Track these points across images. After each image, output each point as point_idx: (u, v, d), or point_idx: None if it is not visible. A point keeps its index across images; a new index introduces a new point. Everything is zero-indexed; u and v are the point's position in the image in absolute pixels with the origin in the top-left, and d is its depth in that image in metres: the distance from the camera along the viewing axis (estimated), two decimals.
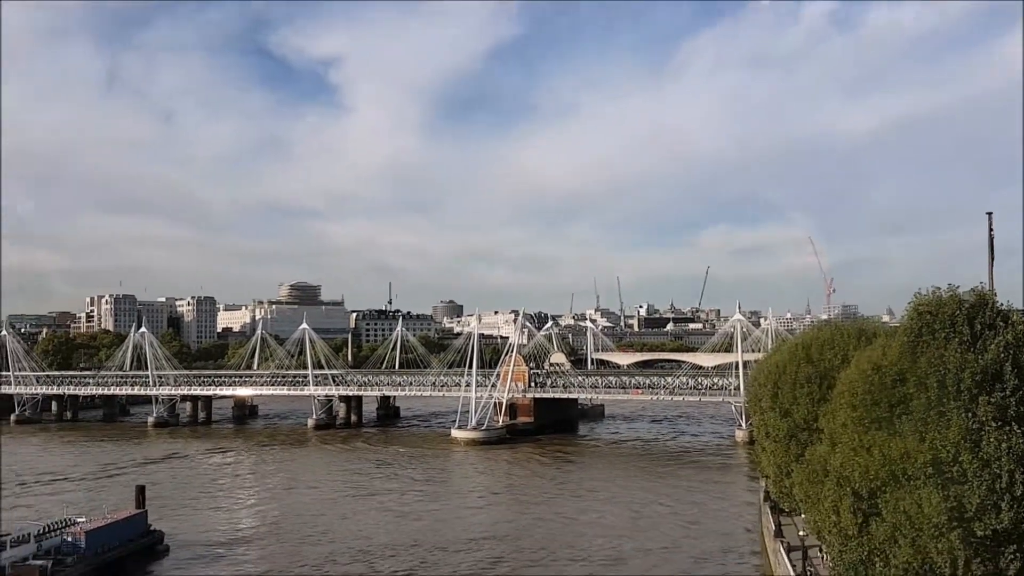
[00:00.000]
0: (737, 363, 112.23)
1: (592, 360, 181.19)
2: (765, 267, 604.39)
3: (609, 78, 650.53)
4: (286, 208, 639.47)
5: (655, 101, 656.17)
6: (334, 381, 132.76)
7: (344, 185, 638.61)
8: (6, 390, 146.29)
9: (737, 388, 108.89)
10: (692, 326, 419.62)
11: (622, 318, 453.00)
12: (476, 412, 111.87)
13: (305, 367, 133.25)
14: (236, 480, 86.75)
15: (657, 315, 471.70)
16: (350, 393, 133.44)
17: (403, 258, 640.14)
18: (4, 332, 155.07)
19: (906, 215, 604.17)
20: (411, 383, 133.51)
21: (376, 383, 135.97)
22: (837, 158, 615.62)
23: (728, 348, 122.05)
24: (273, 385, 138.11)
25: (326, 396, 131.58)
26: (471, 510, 69.77)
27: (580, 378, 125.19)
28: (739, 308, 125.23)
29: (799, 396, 43.61)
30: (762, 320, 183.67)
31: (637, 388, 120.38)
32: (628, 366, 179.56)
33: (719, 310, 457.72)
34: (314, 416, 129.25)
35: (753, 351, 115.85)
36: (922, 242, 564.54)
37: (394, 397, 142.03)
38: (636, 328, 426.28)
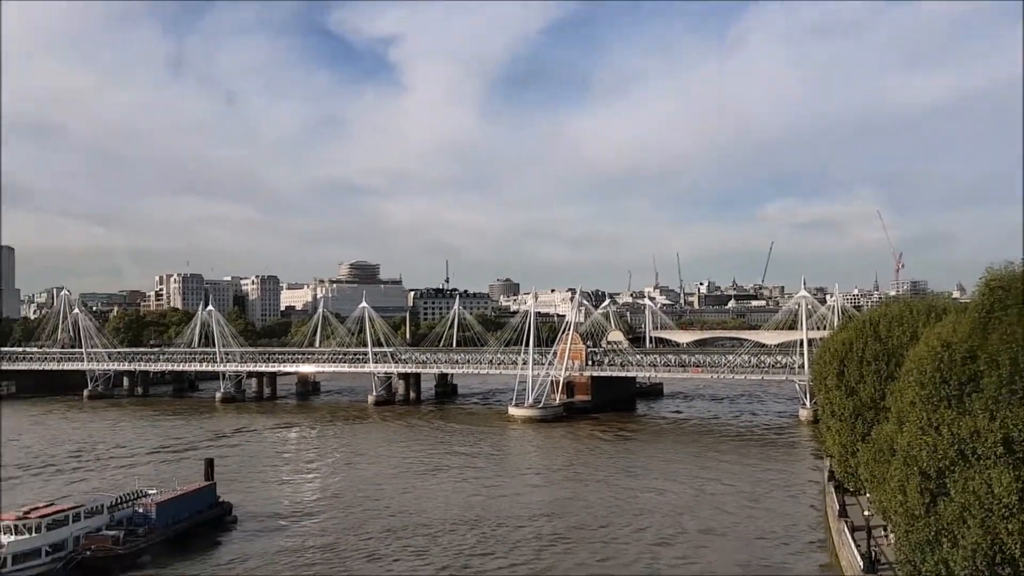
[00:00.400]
0: (801, 341, 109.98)
1: (650, 338, 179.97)
2: (831, 242, 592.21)
3: (670, 49, 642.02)
4: (346, 187, 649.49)
5: (717, 72, 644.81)
6: (393, 359, 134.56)
7: (402, 163, 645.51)
8: (79, 366, 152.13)
9: (801, 366, 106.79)
10: (755, 303, 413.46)
11: (682, 295, 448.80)
12: (533, 390, 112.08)
13: (365, 345, 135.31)
14: (300, 454, 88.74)
15: (718, 292, 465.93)
16: (409, 370, 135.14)
17: (460, 236, 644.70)
18: (77, 310, 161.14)
19: (977, 188, 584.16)
20: (468, 361, 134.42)
21: (434, 361, 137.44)
22: (905, 129, 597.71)
23: (792, 326, 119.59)
24: (334, 362, 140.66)
25: (385, 373, 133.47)
26: (529, 487, 70.04)
27: (638, 356, 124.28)
28: (804, 284, 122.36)
29: (866, 374, 43.08)
30: (828, 297, 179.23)
31: (697, 366, 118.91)
32: (688, 344, 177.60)
33: (783, 287, 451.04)
34: (374, 393, 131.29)
35: (818, 329, 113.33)
36: (994, 216, 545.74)
37: (451, 375, 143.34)
38: (696, 306, 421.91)
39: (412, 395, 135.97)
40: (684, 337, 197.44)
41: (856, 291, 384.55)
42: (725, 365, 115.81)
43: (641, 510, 59.98)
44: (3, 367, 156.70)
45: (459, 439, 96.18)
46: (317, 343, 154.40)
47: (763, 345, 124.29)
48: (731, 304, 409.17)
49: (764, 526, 55.07)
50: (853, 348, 44.83)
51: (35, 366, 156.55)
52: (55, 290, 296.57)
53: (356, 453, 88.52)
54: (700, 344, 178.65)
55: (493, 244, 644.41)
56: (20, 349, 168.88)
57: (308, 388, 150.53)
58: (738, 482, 69.58)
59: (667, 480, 70.95)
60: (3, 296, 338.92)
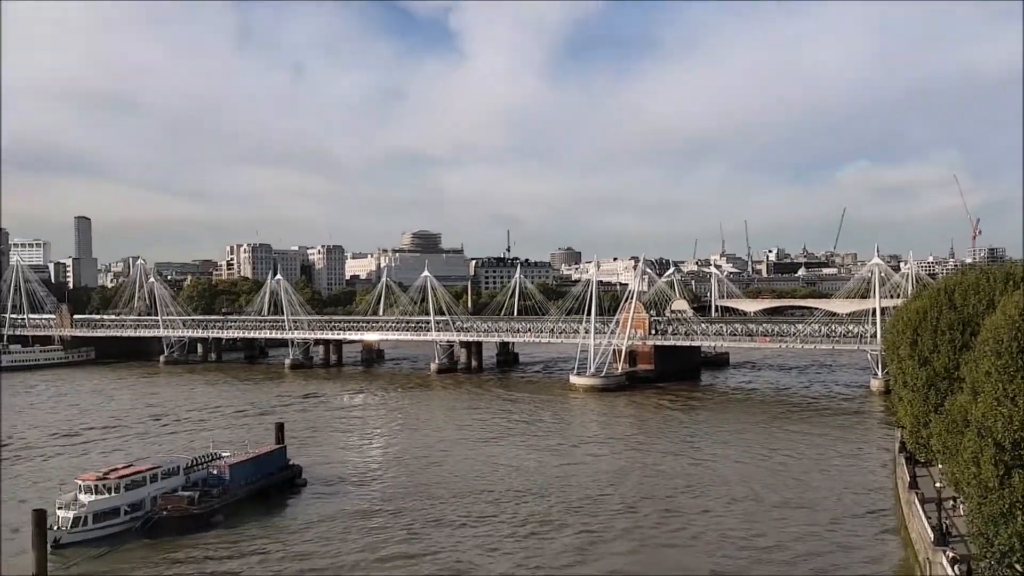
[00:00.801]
0: (874, 310, 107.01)
1: (716, 307, 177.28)
2: (906, 208, 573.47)
3: (741, 7, 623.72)
4: (408, 157, 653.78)
5: (791, 32, 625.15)
6: (455, 327, 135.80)
7: (464, 132, 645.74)
8: (155, 333, 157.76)
9: (873, 336, 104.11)
10: (826, 271, 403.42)
11: (749, 263, 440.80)
12: (595, 359, 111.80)
13: (427, 313, 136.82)
14: (366, 420, 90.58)
15: (788, 260, 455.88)
16: (470, 339, 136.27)
17: (522, 205, 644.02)
18: (152, 279, 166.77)
19: None
20: (529, 330, 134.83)
21: (495, 329, 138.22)
22: (985, 92, 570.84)
23: (864, 294, 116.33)
24: (398, 331, 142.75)
25: (448, 342, 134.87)
26: (592, 455, 70.09)
27: (703, 325, 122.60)
28: (877, 252, 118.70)
29: (940, 343, 41.97)
30: (902, 264, 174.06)
31: (764, 336, 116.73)
32: (755, 313, 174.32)
33: (855, 254, 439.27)
34: (436, 361, 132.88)
35: (892, 297, 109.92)
36: None
37: (513, 343, 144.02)
38: (765, 274, 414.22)
39: (474, 363, 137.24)
40: (751, 306, 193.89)
41: (931, 258, 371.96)
42: (794, 334, 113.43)
43: (706, 481, 59.51)
44: (83, 334, 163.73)
45: (521, 407, 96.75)
46: (381, 312, 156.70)
47: (834, 314, 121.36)
48: (801, 272, 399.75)
49: (833, 497, 54.13)
50: (927, 317, 43.66)
51: (113, 333, 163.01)
52: (131, 259, 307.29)
53: (419, 419, 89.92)
54: (768, 313, 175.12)
55: (555, 213, 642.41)
56: (98, 316, 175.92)
57: (373, 355, 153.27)
58: (806, 453, 68.45)
59: (733, 450, 70.22)
60: (81, 265, 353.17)
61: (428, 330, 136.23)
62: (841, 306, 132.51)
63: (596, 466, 65.37)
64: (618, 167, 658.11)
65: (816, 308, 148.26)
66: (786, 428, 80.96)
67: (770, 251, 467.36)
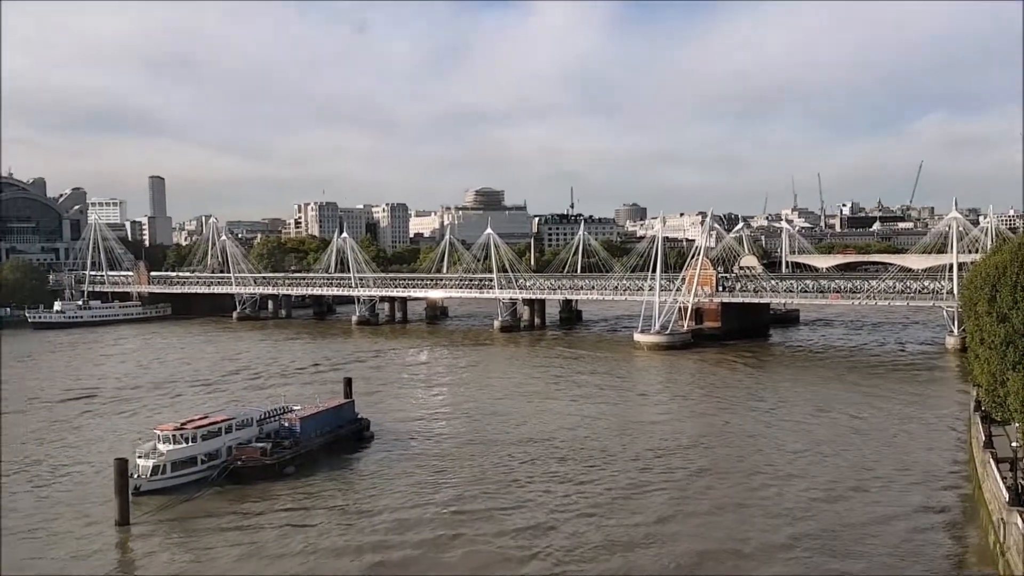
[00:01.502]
0: (951, 265, 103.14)
1: (787, 263, 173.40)
2: (986, 160, 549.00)
3: None
4: (471, 115, 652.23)
5: None
6: (518, 285, 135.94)
7: (526, 88, 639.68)
8: (228, 290, 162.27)
9: (950, 292, 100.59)
10: (901, 225, 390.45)
11: (822, 218, 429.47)
12: (660, 316, 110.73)
13: (490, 271, 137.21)
14: (431, 375, 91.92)
15: (862, 214, 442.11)
16: (534, 296, 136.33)
17: (585, 161, 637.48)
18: (224, 237, 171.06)
19: None
20: (593, 287, 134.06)
21: (559, 287, 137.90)
22: None
23: (941, 249, 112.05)
24: (461, 288, 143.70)
25: (511, 299, 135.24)
26: (656, 412, 69.90)
27: (772, 282, 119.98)
28: (955, 205, 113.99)
29: (1020, 300, 40.46)
30: (981, 218, 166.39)
31: (836, 292, 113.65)
32: (827, 269, 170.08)
33: (932, 208, 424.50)
34: (499, 318, 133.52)
35: (970, 252, 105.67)
36: None
37: (576, 301, 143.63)
38: (838, 228, 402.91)
39: (537, 321, 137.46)
40: (823, 262, 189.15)
41: (1012, 212, 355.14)
42: (867, 291, 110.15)
43: (772, 440, 58.76)
44: (159, 290, 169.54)
45: (584, 364, 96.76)
46: (444, 269, 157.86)
47: (909, 270, 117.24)
48: (876, 227, 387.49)
49: (906, 456, 52.91)
50: (1007, 272, 41.96)
51: (188, 289, 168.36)
52: (203, 218, 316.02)
53: (483, 375, 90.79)
54: (841, 269, 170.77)
55: (620, 168, 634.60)
56: (174, 274, 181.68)
57: (436, 313, 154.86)
58: (878, 412, 66.88)
59: (802, 409, 69.02)
60: (156, 223, 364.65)
61: (491, 288, 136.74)
62: (917, 261, 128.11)
63: (660, 423, 65.09)
64: (684, 121, 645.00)
65: (891, 264, 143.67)
66: (858, 386, 79.16)
67: (844, 205, 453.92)
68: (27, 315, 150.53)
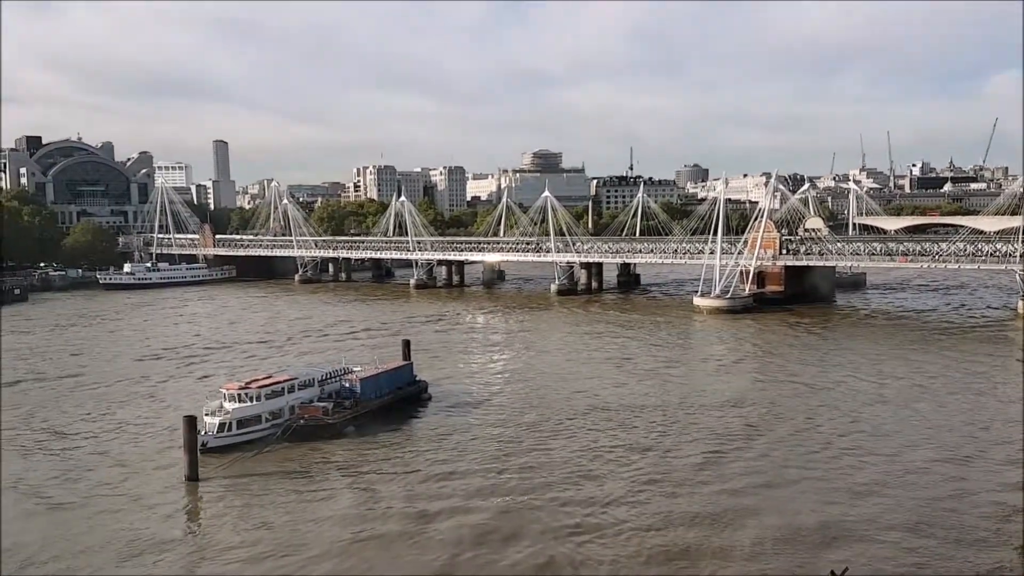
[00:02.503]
0: None
1: (854, 225, 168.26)
2: None
3: None
4: (528, 75, 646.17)
5: None
6: (575, 248, 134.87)
7: (584, 48, 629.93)
8: (290, 253, 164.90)
9: (1023, 255, 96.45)
10: (974, 186, 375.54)
11: (891, 178, 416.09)
12: (720, 280, 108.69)
13: (547, 234, 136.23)
14: (488, 338, 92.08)
15: (933, 175, 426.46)
16: (591, 260, 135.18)
17: (645, 121, 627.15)
18: (286, 201, 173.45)
19: None
20: (652, 250, 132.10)
21: (617, 250, 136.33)
22: None
23: (1015, 211, 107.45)
24: (518, 252, 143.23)
25: (568, 263, 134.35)
26: (718, 377, 68.83)
27: (839, 244, 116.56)
28: None
29: None
30: None
31: (905, 255, 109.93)
32: (896, 231, 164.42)
33: (1006, 168, 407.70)
34: (556, 282, 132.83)
35: None
36: None
37: (634, 264, 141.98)
38: (907, 189, 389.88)
39: (594, 284, 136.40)
40: (892, 224, 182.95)
41: None
42: (937, 254, 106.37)
43: (839, 404, 57.30)
44: (224, 252, 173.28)
45: (643, 329, 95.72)
46: (501, 233, 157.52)
47: (981, 232, 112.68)
48: (947, 187, 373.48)
49: (968, 424, 51.29)
50: None
51: (251, 252, 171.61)
52: (265, 181, 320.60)
53: (541, 339, 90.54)
54: (910, 231, 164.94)
55: (680, 129, 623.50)
56: (238, 236, 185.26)
57: (494, 276, 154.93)
58: (945, 378, 64.83)
59: (867, 374, 67.14)
60: (220, 187, 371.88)
61: (548, 251, 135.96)
62: (989, 223, 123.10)
63: (718, 385, 64.20)
64: (747, 79, 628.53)
65: (962, 226, 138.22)
66: (925, 352, 76.81)
67: (914, 165, 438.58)
68: (98, 276, 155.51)
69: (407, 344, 66.24)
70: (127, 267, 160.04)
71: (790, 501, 39.40)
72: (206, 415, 49.38)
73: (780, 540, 34.82)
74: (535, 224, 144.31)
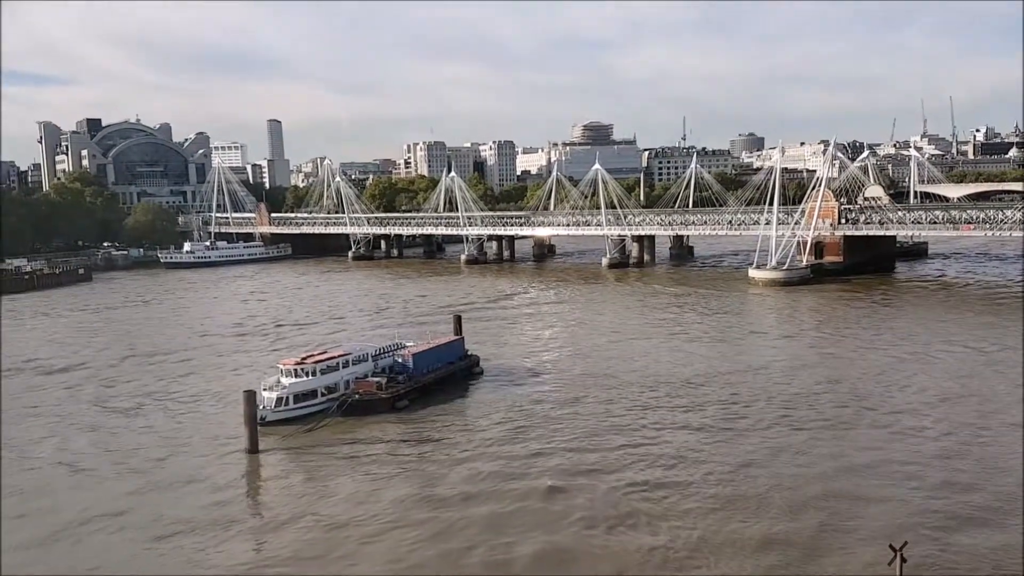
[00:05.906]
0: None
1: (915, 193, 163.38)
2: None
3: None
4: (579, 40, 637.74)
5: None
6: (626, 221, 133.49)
7: (640, 9, 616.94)
8: (343, 230, 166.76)
9: None
10: None
11: (954, 144, 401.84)
12: (777, 251, 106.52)
13: (598, 207, 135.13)
14: (539, 313, 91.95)
15: (998, 140, 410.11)
16: (642, 233, 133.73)
17: (698, 86, 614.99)
18: (338, 179, 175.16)
19: None
20: (705, 222, 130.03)
21: (669, 222, 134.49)
22: None
23: None
24: (568, 226, 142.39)
25: (619, 236, 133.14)
26: (776, 352, 67.50)
27: (899, 213, 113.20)
28: None
29: None
30: None
31: (968, 224, 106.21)
32: (959, 199, 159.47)
33: None
34: (608, 255, 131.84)
35: None
36: None
37: (687, 236, 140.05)
38: (970, 155, 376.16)
39: (647, 257, 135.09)
40: (955, 191, 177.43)
41: None
42: (1002, 221, 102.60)
43: (894, 382, 55.65)
44: (280, 231, 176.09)
45: (697, 302, 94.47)
46: (552, 207, 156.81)
47: None
48: (1012, 153, 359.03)
49: None
50: None
51: (306, 230, 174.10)
52: (319, 160, 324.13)
53: (593, 314, 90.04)
54: (974, 198, 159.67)
55: (735, 94, 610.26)
56: (292, 215, 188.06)
57: (544, 251, 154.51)
58: (1006, 353, 62.43)
59: (930, 347, 65.20)
60: (275, 166, 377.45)
61: (599, 225, 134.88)
62: None
63: (781, 361, 62.94)
64: (806, 35, 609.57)
65: None
66: (989, 323, 74.35)
67: (977, 131, 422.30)
68: (159, 255, 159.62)
69: (458, 318, 66.50)
70: (187, 246, 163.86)
71: (872, 477, 38.58)
72: (264, 390, 50.35)
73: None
74: (585, 197, 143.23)
